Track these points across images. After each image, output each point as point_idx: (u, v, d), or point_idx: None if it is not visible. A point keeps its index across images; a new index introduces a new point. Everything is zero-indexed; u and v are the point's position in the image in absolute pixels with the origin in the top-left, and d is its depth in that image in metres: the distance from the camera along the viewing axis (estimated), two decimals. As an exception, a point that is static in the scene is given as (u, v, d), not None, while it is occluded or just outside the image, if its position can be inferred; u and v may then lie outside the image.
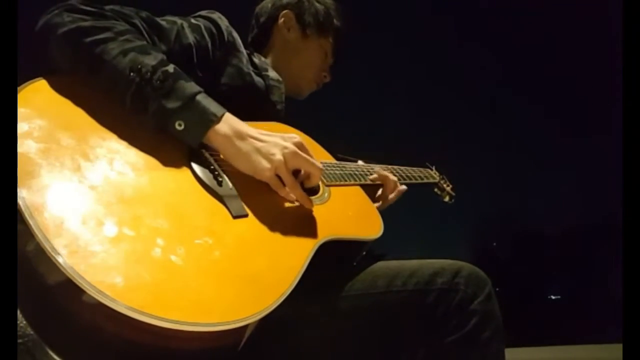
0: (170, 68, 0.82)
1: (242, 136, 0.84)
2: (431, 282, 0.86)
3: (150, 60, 0.81)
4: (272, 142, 0.85)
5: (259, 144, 0.84)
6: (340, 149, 1.32)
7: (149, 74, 0.79)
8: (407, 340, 0.87)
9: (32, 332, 0.58)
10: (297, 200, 0.89)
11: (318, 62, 1.28)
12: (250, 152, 0.84)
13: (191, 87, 0.82)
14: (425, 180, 1.57)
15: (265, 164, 0.84)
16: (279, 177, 0.86)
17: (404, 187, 1.32)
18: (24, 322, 0.59)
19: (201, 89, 0.84)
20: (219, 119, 0.83)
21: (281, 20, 1.26)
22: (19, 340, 0.58)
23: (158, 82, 0.79)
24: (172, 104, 0.79)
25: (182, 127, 0.80)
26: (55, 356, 0.58)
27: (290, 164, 0.86)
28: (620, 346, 0.80)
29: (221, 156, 0.86)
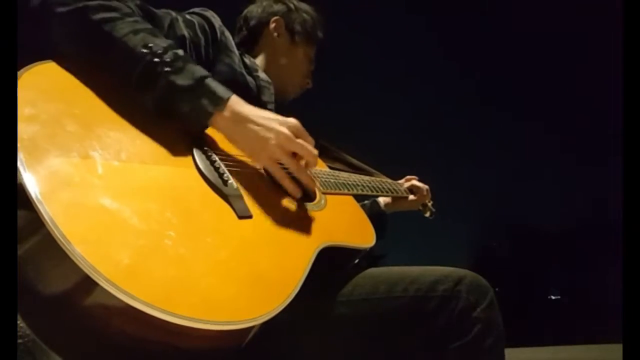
0: (180, 52, 0.83)
1: (247, 120, 0.84)
2: (432, 289, 0.86)
3: (161, 42, 0.81)
4: (267, 127, 0.85)
5: (257, 128, 0.84)
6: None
7: (160, 51, 0.79)
8: (408, 346, 0.87)
9: (31, 332, 0.58)
10: (304, 184, 0.90)
11: (304, 68, 1.33)
12: (251, 136, 0.84)
13: (200, 70, 0.83)
14: (398, 195, 1.48)
15: (262, 149, 0.84)
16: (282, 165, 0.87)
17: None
18: (24, 322, 0.58)
19: (209, 73, 0.84)
20: (225, 101, 0.83)
21: (272, 25, 1.28)
22: (19, 341, 0.57)
23: (169, 60, 0.79)
24: (182, 81, 0.79)
25: (189, 108, 0.80)
26: (55, 356, 0.58)
27: (287, 148, 0.86)
28: (620, 346, 0.80)
29: (225, 141, 0.86)
